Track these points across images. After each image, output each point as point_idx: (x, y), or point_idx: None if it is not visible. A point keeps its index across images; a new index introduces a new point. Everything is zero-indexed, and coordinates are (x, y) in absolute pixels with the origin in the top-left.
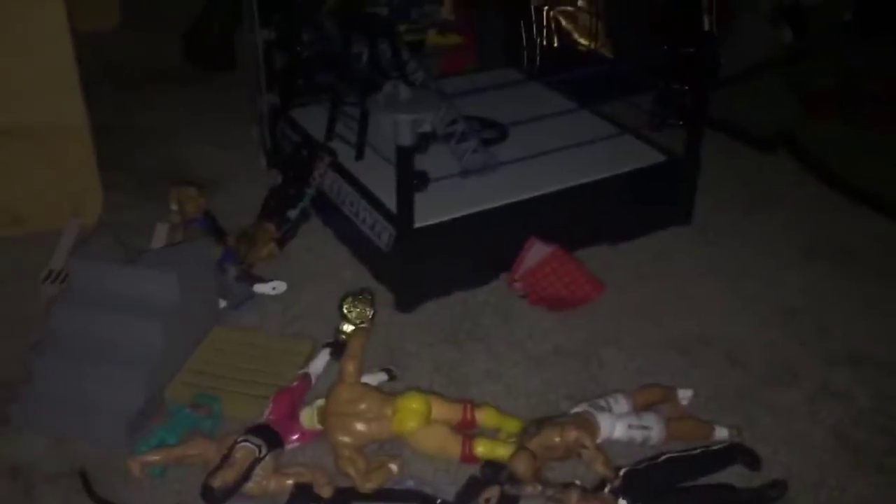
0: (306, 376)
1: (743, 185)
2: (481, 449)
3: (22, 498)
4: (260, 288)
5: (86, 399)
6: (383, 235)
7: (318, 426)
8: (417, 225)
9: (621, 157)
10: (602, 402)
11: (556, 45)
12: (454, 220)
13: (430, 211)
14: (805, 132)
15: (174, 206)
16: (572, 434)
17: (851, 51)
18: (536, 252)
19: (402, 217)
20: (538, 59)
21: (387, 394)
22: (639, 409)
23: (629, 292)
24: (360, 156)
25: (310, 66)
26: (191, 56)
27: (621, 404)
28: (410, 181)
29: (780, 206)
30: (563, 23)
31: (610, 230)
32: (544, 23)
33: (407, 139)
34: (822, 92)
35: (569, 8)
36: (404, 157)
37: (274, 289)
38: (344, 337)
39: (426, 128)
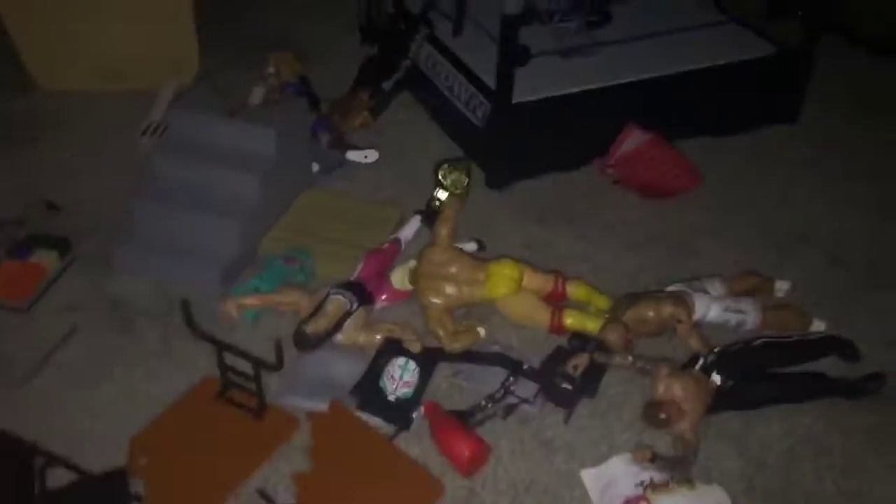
0: (396, 241)
1: (853, 88)
2: (570, 320)
3: (120, 329)
4: (352, 155)
5: (183, 245)
6: (478, 111)
7: (409, 286)
8: (515, 101)
9: (729, 46)
10: (697, 284)
11: None
12: (551, 98)
13: (527, 89)
14: None
15: (271, 69)
16: (667, 308)
17: None
18: (634, 138)
19: (501, 91)
20: None
21: (479, 259)
22: (735, 293)
23: (727, 186)
24: (458, 31)
25: None
26: None
27: (717, 287)
28: (513, 54)
29: (891, 112)
30: None
31: (711, 122)
32: None
33: (514, 7)
34: None
35: None
36: (509, 28)
37: (366, 157)
38: (437, 203)
39: None
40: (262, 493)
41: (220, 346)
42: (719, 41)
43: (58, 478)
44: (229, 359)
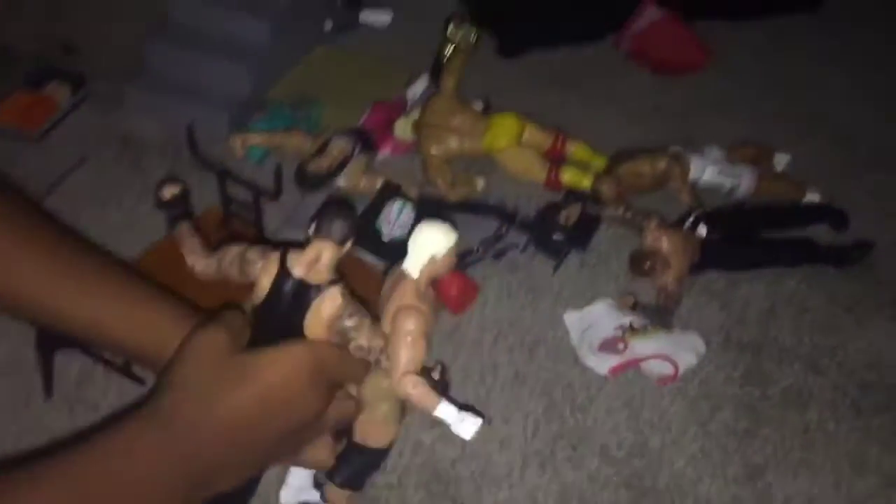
0: (404, 96)
1: None
2: (567, 177)
3: (130, 163)
4: (366, 16)
5: (193, 87)
6: None
7: (411, 136)
8: None
9: None
10: (695, 149)
11: None
12: None
13: None
14: None
15: None
16: (662, 164)
17: None
18: (650, 14)
19: None
20: None
21: (482, 112)
22: (732, 161)
23: (742, 67)
24: None
25: None
26: None
27: (715, 153)
28: None
29: None
30: None
31: (729, 5)
32: None
33: None
34: None
35: None
36: None
37: (380, 18)
38: (445, 56)
39: None
40: None
41: (222, 174)
42: None
43: None
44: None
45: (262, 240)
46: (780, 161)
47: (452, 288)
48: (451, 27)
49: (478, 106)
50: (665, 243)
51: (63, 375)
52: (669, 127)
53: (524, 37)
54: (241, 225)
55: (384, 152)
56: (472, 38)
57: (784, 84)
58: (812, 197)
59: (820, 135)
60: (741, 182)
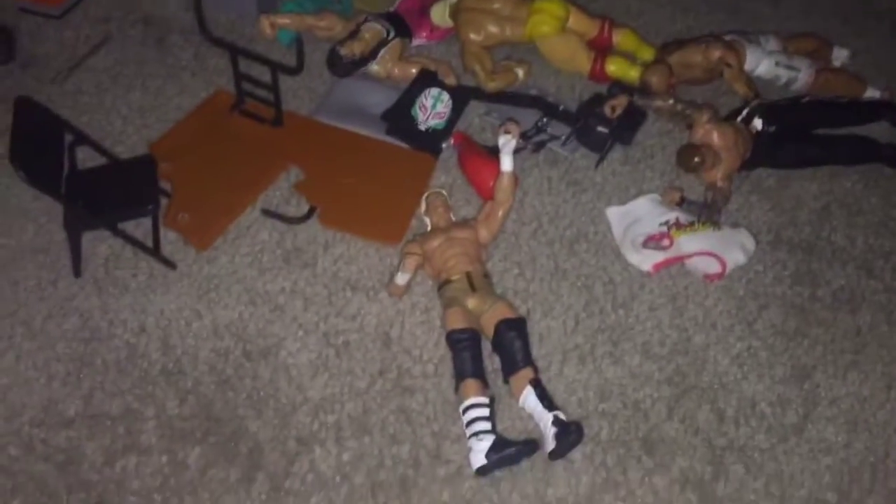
0: None
1: None
2: (613, 67)
3: (154, 43)
4: None
5: None
6: None
7: (449, 22)
8: None
9: None
10: (752, 36)
11: None
12: None
13: None
14: None
15: None
16: (716, 52)
17: None
18: None
19: None
20: None
21: None
22: (790, 53)
23: None
24: None
25: None
26: None
27: (772, 44)
28: None
29: None
30: None
31: None
32: None
33: None
34: None
35: None
36: None
37: None
38: None
39: None
40: (269, 212)
41: (235, 51)
42: None
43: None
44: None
45: (280, 116)
46: (840, 55)
47: (490, 178)
48: None
49: None
50: (716, 137)
51: (92, 256)
52: (721, 16)
53: None
54: (256, 106)
55: (420, 38)
56: None
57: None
58: (872, 94)
59: (882, 28)
60: (799, 75)
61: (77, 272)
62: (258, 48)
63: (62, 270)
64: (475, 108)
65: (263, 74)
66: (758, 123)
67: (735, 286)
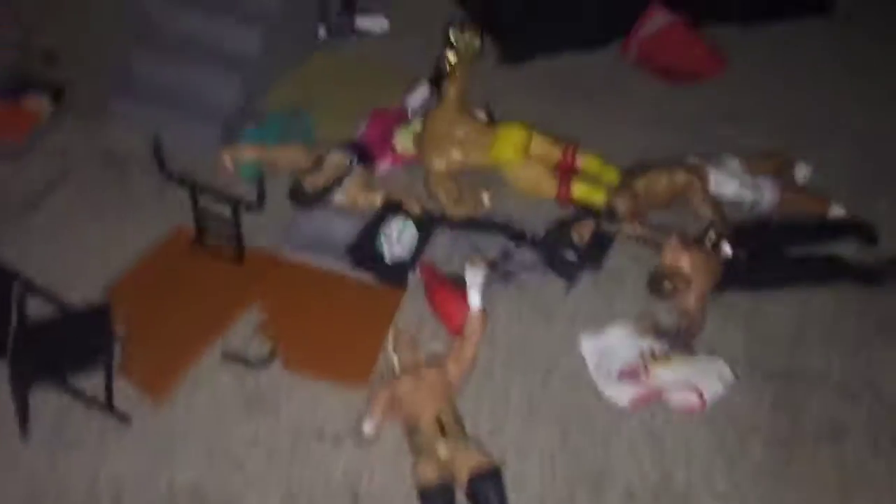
0: (403, 106)
1: None
2: (579, 191)
3: (114, 177)
4: (363, 22)
5: (182, 96)
6: None
7: (413, 150)
8: None
9: None
10: (715, 158)
11: None
12: None
13: None
14: None
15: None
16: (681, 177)
17: None
18: (658, 19)
19: None
20: None
21: (487, 123)
22: (753, 173)
23: (753, 74)
24: None
25: None
26: None
27: (735, 165)
28: None
29: None
30: None
31: (740, 9)
32: None
33: None
34: None
35: None
36: None
37: (376, 24)
38: (447, 65)
39: None
40: (229, 355)
41: (195, 189)
42: None
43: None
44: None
45: (241, 252)
46: (802, 172)
47: (458, 313)
48: (452, 34)
49: (480, 115)
50: (686, 262)
51: (41, 411)
52: (682, 137)
53: (527, 43)
54: (217, 242)
55: (384, 165)
56: (475, 45)
57: (799, 89)
58: (837, 211)
59: (839, 143)
60: (763, 196)
61: (24, 431)
62: (220, 180)
63: (8, 429)
64: (442, 235)
65: (226, 209)
66: (727, 250)
67: (715, 418)
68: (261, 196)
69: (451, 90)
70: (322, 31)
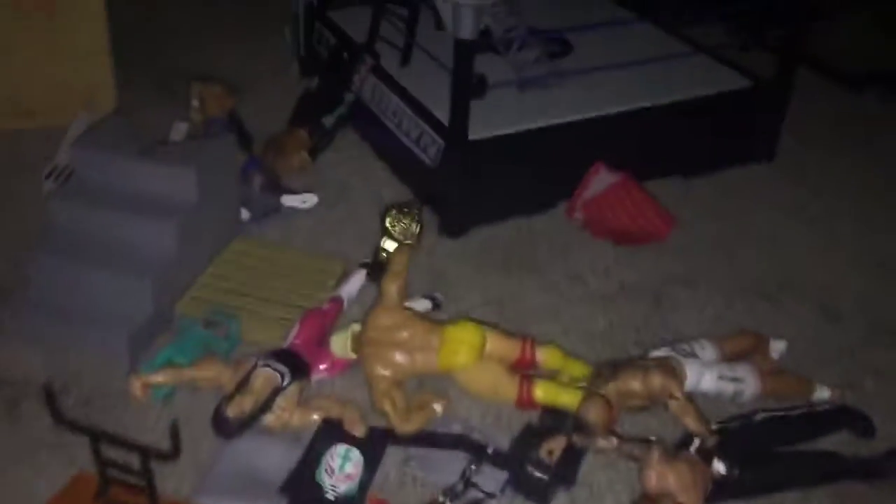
0: (338, 299)
1: (828, 123)
2: (542, 393)
3: (5, 413)
4: (288, 200)
5: (85, 307)
6: (430, 149)
7: (352, 355)
8: (471, 137)
9: (699, 78)
10: (686, 347)
11: None
12: (512, 135)
13: (485, 123)
14: None
15: (195, 103)
16: (657, 380)
17: None
18: (603, 178)
19: (455, 126)
20: None
21: (434, 322)
22: (728, 357)
23: (703, 230)
24: (406, 61)
25: None
26: None
27: (708, 351)
28: (468, 84)
29: (869, 148)
30: None
31: (683, 161)
32: None
33: (469, 31)
34: None
35: None
36: (463, 54)
37: (304, 202)
38: (385, 255)
39: (486, 21)
40: None
41: (96, 436)
42: (688, 73)
43: None
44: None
45: None
46: (777, 349)
47: None
48: (389, 220)
49: (424, 304)
50: (672, 480)
51: None
52: (641, 309)
53: (469, 213)
54: (125, 493)
55: (320, 373)
56: (415, 229)
57: (753, 245)
58: (822, 392)
59: (805, 305)
60: (745, 387)
61: None
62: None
63: None
64: (392, 456)
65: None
66: (720, 468)
67: None
68: (175, 445)
69: (391, 286)
70: (245, 213)
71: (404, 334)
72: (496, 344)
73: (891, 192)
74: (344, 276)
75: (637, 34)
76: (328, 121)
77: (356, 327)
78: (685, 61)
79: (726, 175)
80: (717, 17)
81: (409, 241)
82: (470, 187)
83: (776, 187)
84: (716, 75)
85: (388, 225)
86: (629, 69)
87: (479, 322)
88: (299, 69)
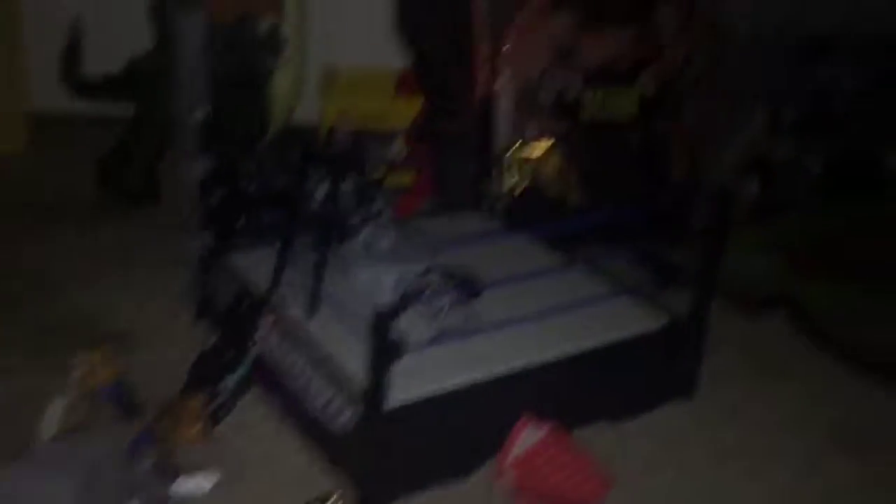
0: None
1: (742, 352)
2: None
3: None
4: (182, 485)
5: None
6: (341, 416)
7: None
8: (389, 405)
9: (618, 319)
10: None
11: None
12: (428, 399)
13: (398, 387)
14: (800, 293)
15: (76, 374)
16: None
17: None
18: (528, 435)
19: (373, 395)
20: (507, 203)
21: None
22: None
23: (639, 487)
24: (312, 311)
25: (254, 201)
26: (106, 186)
27: None
28: (387, 352)
29: (789, 377)
30: (532, 165)
31: (609, 406)
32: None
33: (389, 298)
34: (811, 249)
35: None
36: (382, 323)
37: (200, 485)
38: None
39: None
40: None
41: None
42: (607, 315)
43: None
44: None
45: None
46: None
47: None
48: None
49: None
50: None
51: None
52: None
53: (389, 485)
54: None
55: None
56: None
57: (682, 497)
58: None
59: None
60: None
61: None
62: None
63: None
64: None
65: None
66: None
67: None
68: None
69: None
70: None
71: None
72: None
73: (814, 430)
74: None
75: (553, 273)
76: (228, 383)
77: None
78: (602, 302)
79: (653, 417)
80: (634, 260)
81: None
82: (388, 457)
83: (705, 429)
84: (634, 314)
85: None
86: (550, 314)
87: None
88: (195, 318)
